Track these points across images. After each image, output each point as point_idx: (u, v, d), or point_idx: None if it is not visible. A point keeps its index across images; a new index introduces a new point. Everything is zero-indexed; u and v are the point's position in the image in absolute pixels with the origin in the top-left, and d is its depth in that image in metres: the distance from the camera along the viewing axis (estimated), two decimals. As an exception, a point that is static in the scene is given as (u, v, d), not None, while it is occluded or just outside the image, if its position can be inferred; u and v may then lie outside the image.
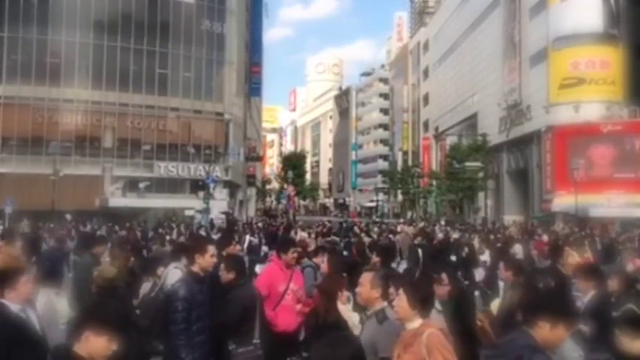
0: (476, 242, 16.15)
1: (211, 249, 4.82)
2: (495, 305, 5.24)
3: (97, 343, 2.60)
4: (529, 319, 2.89)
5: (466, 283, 8.68)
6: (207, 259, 4.74)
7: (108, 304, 3.10)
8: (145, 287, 6.16)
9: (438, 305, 4.19)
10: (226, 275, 5.07)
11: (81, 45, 38.12)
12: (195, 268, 4.72)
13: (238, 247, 8.17)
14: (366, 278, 3.88)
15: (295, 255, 5.55)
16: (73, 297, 6.26)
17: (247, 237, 17.42)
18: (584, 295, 4.99)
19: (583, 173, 31.98)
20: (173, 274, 5.94)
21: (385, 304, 3.73)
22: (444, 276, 4.58)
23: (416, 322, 3.20)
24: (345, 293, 4.58)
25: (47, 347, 3.88)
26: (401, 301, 3.25)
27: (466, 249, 12.24)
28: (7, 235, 7.85)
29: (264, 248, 16.33)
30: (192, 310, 4.44)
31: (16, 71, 36.74)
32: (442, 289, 4.43)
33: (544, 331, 2.81)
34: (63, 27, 37.57)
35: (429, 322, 3.22)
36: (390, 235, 18.48)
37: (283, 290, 5.36)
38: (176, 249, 7.33)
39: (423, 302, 3.24)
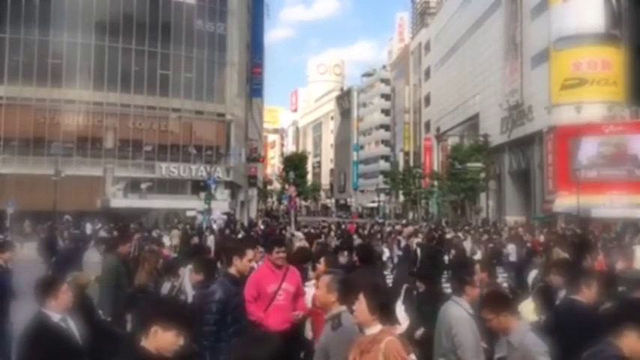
0: (468, 242, 16.15)
1: (250, 253, 4.86)
2: (524, 306, 5.18)
3: (165, 337, 2.62)
4: (614, 329, 2.79)
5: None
6: (244, 263, 4.78)
7: (175, 300, 3.13)
8: (165, 288, 6.25)
9: (469, 308, 4.13)
10: (194, 277, 5.07)
11: (82, 46, 38.18)
12: (232, 271, 4.74)
13: (260, 248, 8.18)
14: (323, 282, 3.79)
15: (281, 255, 5.48)
16: (100, 297, 6.32)
17: (240, 236, 17.45)
18: (560, 291, 4.99)
19: (585, 174, 31.98)
20: (190, 275, 6.06)
21: (342, 308, 3.61)
22: (475, 278, 4.54)
23: (375, 328, 3.12)
24: None
25: (87, 356, 3.89)
26: (360, 305, 3.17)
27: (453, 251, 12.26)
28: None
29: (261, 249, 16.27)
30: (228, 312, 4.44)
31: (18, 72, 36.79)
32: (473, 290, 4.33)
33: (630, 340, 2.71)
34: (64, 28, 37.62)
35: (389, 329, 3.14)
36: (399, 237, 18.43)
37: (274, 291, 5.29)
38: (192, 250, 7.38)
39: (382, 308, 3.16)
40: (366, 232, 21.90)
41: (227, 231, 20.02)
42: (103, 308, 6.28)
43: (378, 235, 19.94)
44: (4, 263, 6.50)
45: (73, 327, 3.96)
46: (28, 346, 3.65)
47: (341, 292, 3.67)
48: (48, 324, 3.72)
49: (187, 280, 6.00)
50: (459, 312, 4.06)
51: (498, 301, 3.67)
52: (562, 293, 4.93)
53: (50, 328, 3.71)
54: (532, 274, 6.77)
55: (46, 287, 3.85)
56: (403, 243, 16.81)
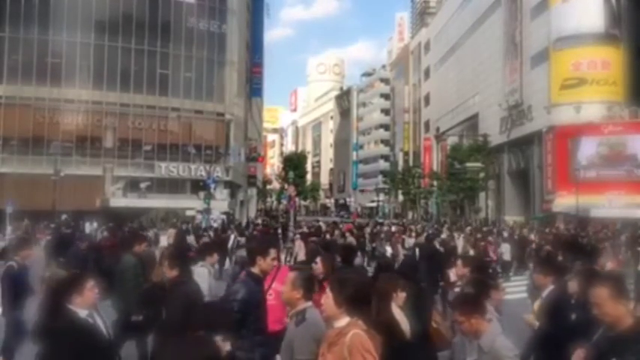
0: (461, 241, 16.21)
1: (273, 252, 4.88)
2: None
3: None
4: None
5: (441, 283, 8.85)
6: (268, 262, 4.77)
7: (218, 305, 3.13)
8: None
9: (494, 312, 4.10)
10: (169, 272, 5.06)
11: (82, 45, 38.16)
12: (255, 270, 4.74)
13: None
14: (289, 278, 3.81)
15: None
16: (118, 296, 6.37)
17: (232, 236, 17.25)
18: (542, 290, 4.97)
19: (584, 174, 32.02)
20: (199, 273, 6.15)
21: (308, 304, 3.64)
22: (500, 281, 4.52)
23: (342, 321, 3.11)
24: (401, 294, 4.41)
25: (115, 351, 3.89)
26: (327, 298, 3.17)
27: (441, 249, 12.32)
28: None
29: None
30: (251, 311, 4.44)
31: (17, 71, 36.76)
32: (498, 294, 4.33)
33: None
34: (64, 27, 37.60)
35: (356, 321, 3.11)
36: (404, 237, 18.44)
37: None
38: (203, 248, 7.45)
39: (349, 300, 3.13)
40: (368, 231, 22.01)
41: (229, 232, 19.89)
42: (129, 306, 6.42)
43: (382, 235, 19.98)
44: (21, 260, 6.57)
45: (100, 323, 4.00)
46: (57, 342, 3.67)
47: (306, 288, 3.69)
48: (75, 320, 3.75)
49: (197, 277, 6.01)
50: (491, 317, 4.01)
51: (470, 304, 3.64)
52: (544, 293, 4.90)
53: (78, 324, 3.74)
54: None
55: (72, 284, 3.88)
56: (409, 242, 16.88)
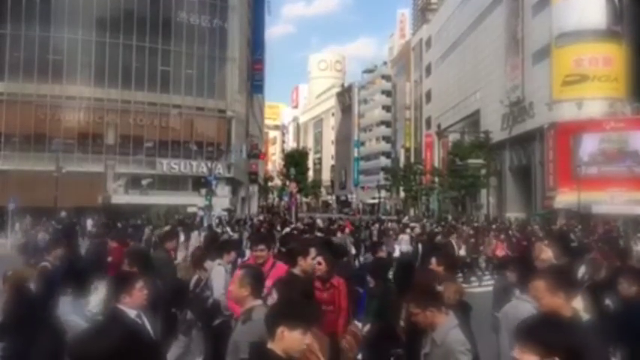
0: (454, 239, 16.32)
1: (313, 252, 4.89)
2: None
3: (292, 337, 2.58)
4: None
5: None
6: (309, 262, 4.82)
7: (297, 299, 3.13)
8: (192, 281, 6.39)
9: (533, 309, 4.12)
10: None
11: (83, 42, 38.18)
12: (296, 270, 4.79)
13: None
14: (236, 276, 3.76)
15: (258, 253, 5.45)
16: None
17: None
18: (515, 288, 4.88)
19: (585, 170, 31.97)
20: (217, 271, 6.15)
21: (257, 302, 3.58)
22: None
23: None
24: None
25: (162, 352, 3.80)
26: (273, 299, 3.19)
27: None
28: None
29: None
30: None
31: (19, 68, 36.82)
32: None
33: None
34: (65, 24, 37.63)
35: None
36: (412, 235, 18.48)
37: None
38: (220, 246, 7.50)
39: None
40: (376, 227, 22.09)
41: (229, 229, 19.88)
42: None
43: (390, 232, 19.98)
44: (54, 260, 6.47)
45: (148, 324, 3.93)
46: (106, 341, 3.66)
47: (253, 286, 3.65)
48: (125, 319, 3.70)
49: (214, 275, 6.10)
50: (534, 310, 4.02)
51: (425, 296, 3.57)
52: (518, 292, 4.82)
53: (127, 323, 3.68)
54: (580, 271, 6.47)
55: (121, 283, 3.83)
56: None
